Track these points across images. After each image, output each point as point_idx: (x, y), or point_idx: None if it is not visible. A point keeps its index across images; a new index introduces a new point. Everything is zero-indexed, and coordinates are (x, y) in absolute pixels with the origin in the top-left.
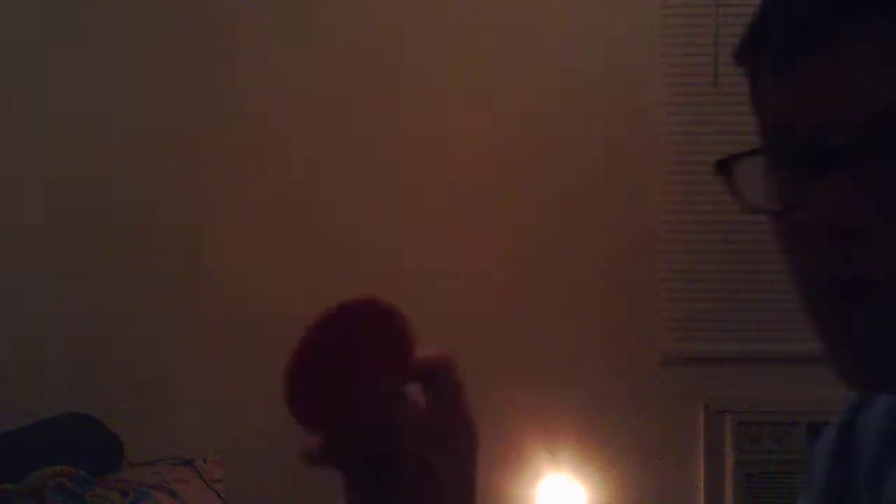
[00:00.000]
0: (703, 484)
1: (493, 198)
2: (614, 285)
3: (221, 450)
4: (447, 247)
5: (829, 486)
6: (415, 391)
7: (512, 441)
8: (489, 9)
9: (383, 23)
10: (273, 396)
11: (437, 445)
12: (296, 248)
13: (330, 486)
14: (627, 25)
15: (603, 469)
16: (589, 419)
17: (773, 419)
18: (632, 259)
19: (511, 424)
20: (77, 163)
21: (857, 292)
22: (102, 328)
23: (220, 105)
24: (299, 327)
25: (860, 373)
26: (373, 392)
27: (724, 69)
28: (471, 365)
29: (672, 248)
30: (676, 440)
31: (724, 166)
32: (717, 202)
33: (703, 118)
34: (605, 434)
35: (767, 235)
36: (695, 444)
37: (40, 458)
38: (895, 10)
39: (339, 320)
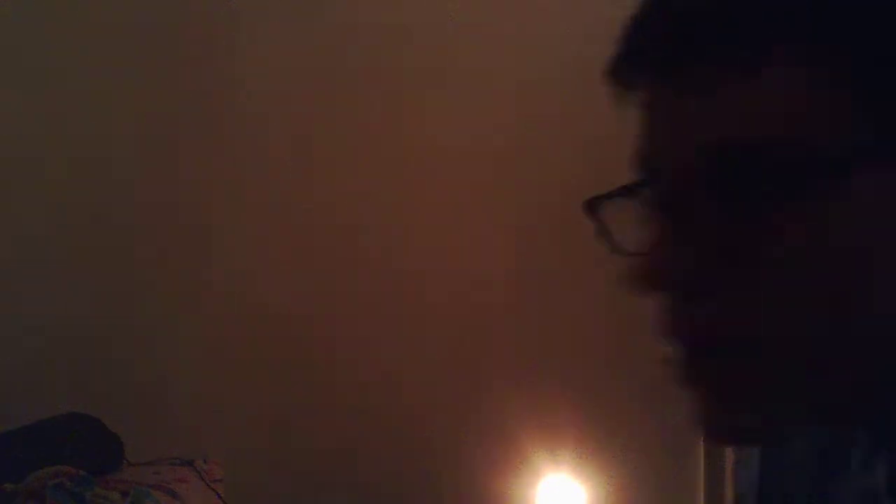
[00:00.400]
0: (703, 484)
1: (493, 198)
2: (614, 286)
3: (221, 450)
4: (447, 247)
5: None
6: None
7: (512, 441)
8: (489, 8)
9: (383, 23)
10: (273, 396)
11: None
12: (296, 248)
13: (330, 486)
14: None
15: (603, 469)
16: (589, 419)
17: None
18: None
19: (511, 424)
20: (77, 163)
21: (699, 350)
22: (102, 328)
23: (220, 105)
24: (299, 327)
25: (719, 431)
26: None
27: None
28: (471, 365)
29: None
30: (676, 440)
31: (592, 207)
32: None
33: None
34: (605, 434)
35: None
36: (695, 445)
37: (40, 458)
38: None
39: None
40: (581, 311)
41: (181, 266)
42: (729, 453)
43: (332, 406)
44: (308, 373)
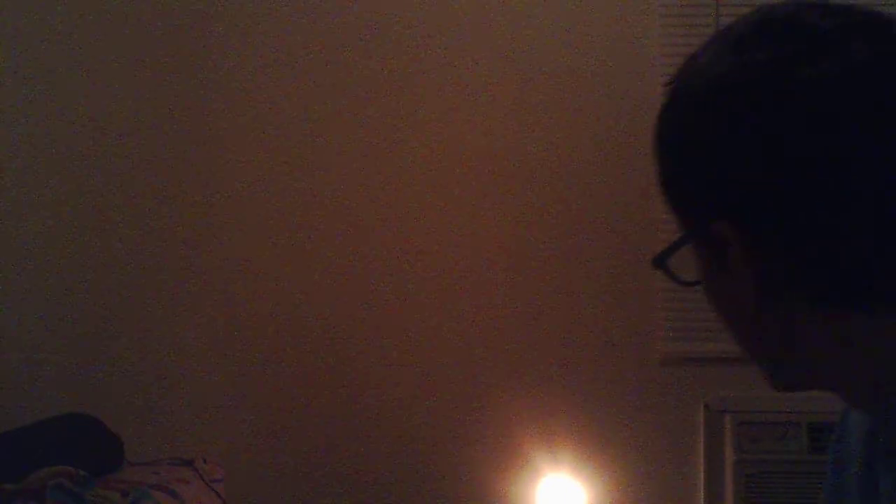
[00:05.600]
0: (703, 484)
1: (493, 199)
2: (614, 285)
3: (221, 450)
4: (447, 247)
5: (831, 491)
6: None
7: (512, 441)
8: (489, 9)
9: (383, 23)
10: (273, 396)
11: None
12: (296, 248)
13: (330, 486)
14: (627, 25)
15: (603, 469)
16: (589, 419)
17: (773, 419)
18: (632, 259)
19: (511, 424)
20: (77, 163)
21: None
22: (102, 328)
23: (220, 105)
24: (299, 327)
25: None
26: None
27: None
28: (471, 365)
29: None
30: (676, 440)
31: (658, 263)
32: None
33: None
34: (605, 434)
35: None
36: (695, 444)
37: (40, 458)
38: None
39: None
40: (581, 311)
41: (181, 266)
42: (729, 453)
43: (331, 406)
44: (308, 373)
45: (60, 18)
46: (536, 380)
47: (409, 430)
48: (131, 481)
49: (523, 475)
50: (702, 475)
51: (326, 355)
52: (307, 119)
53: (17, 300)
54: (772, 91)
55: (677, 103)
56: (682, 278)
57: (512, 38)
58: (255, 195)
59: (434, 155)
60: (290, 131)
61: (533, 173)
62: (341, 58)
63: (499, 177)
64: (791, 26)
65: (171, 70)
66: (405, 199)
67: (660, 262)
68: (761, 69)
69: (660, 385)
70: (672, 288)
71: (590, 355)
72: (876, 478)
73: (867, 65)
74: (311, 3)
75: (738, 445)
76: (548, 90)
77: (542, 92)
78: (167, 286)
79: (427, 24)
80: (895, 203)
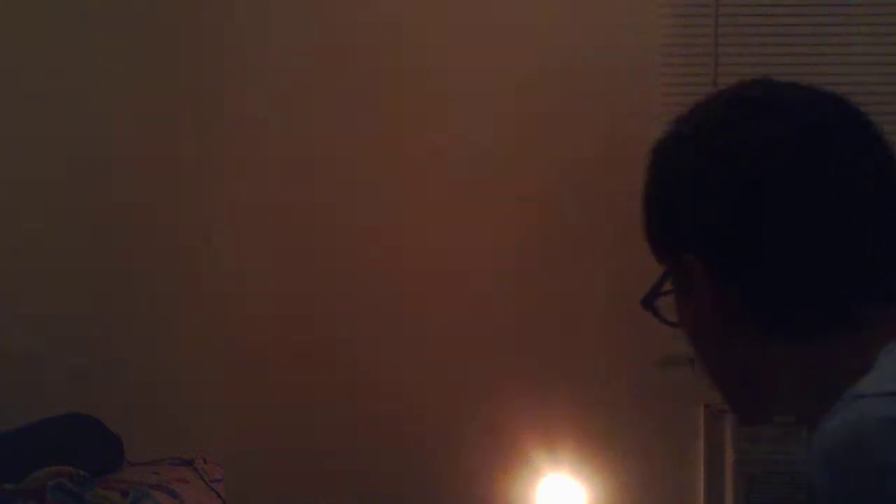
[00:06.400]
0: (703, 484)
1: (493, 199)
2: (614, 285)
3: (221, 450)
4: (447, 247)
5: None
6: None
7: (512, 441)
8: (489, 9)
9: (383, 23)
10: (273, 396)
11: None
12: (296, 248)
13: (330, 486)
14: (627, 25)
15: (603, 469)
16: (589, 419)
17: (773, 419)
18: (631, 259)
19: (511, 424)
20: (77, 163)
21: None
22: (102, 328)
23: (219, 105)
24: (300, 327)
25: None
26: None
27: (723, 69)
28: (471, 365)
29: None
30: (676, 440)
31: (646, 303)
32: None
33: None
34: (605, 434)
35: None
36: (695, 444)
37: (40, 458)
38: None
39: None
40: (581, 312)
41: (181, 266)
42: (729, 453)
43: (331, 406)
44: (308, 373)
45: (60, 18)
46: (536, 380)
47: (409, 429)
48: (131, 481)
49: (523, 475)
50: (702, 475)
51: (326, 355)
52: (307, 118)
53: (17, 300)
54: (729, 145)
55: (658, 157)
56: (667, 318)
57: (512, 38)
58: (255, 195)
59: (433, 155)
60: (290, 131)
61: (533, 173)
62: (341, 58)
63: (498, 177)
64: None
65: (171, 69)
66: (405, 200)
67: (648, 302)
68: (718, 125)
69: (660, 385)
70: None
71: (590, 355)
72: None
73: (811, 127)
74: (311, 2)
75: (738, 445)
76: (548, 90)
77: (542, 92)
78: (167, 286)
79: (427, 24)
80: (825, 247)
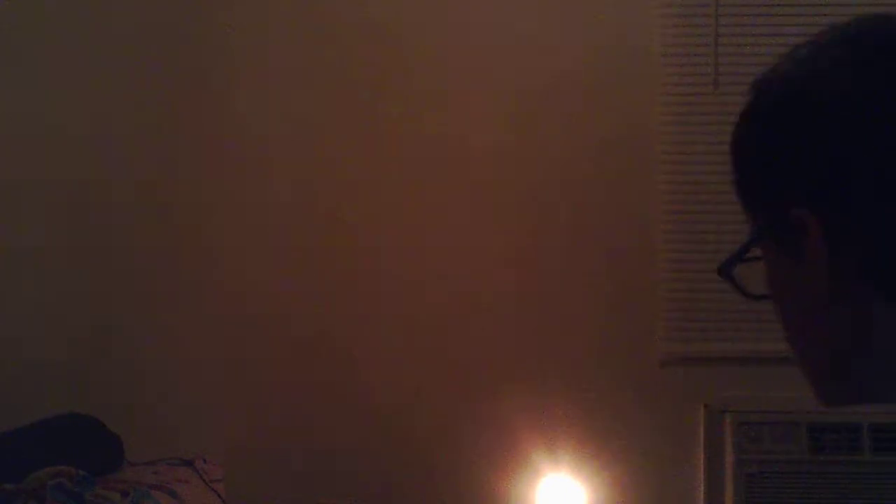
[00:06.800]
0: (703, 484)
1: (493, 200)
2: (614, 286)
3: (221, 450)
4: (447, 248)
5: None
6: None
7: (512, 441)
8: (489, 11)
9: (384, 24)
10: (273, 396)
11: None
12: (296, 248)
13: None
14: (627, 26)
15: (603, 469)
16: (589, 419)
17: (773, 419)
18: (631, 260)
19: (511, 424)
20: (77, 162)
21: None
22: (102, 328)
23: (220, 105)
24: (300, 327)
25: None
26: None
27: (724, 69)
28: (472, 365)
29: (671, 248)
30: (676, 440)
31: (723, 271)
32: (716, 203)
33: (703, 118)
34: (605, 434)
35: None
36: (695, 444)
37: (40, 458)
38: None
39: None
40: (581, 312)
41: (181, 266)
42: (729, 453)
43: (332, 406)
44: (307, 373)
45: (60, 18)
46: (536, 380)
47: (409, 429)
48: (131, 481)
49: (523, 475)
50: (702, 475)
51: (326, 355)
52: (308, 119)
53: (17, 300)
54: (861, 81)
55: (764, 96)
56: (747, 290)
57: (512, 38)
58: (255, 195)
59: (434, 155)
60: (290, 130)
61: (532, 174)
62: (341, 58)
63: (498, 178)
64: (871, 34)
65: (171, 69)
66: (405, 200)
67: (727, 268)
68: (851, 67)
69: (660, 385)
70: (672, 288)
71: (590, 355)
72: None
73: None
74: (311, 2)
75: (738, 445)
76: (547, 91)
77: (542, 92)
78: (167, 286)
79: (427, 25)
80: None
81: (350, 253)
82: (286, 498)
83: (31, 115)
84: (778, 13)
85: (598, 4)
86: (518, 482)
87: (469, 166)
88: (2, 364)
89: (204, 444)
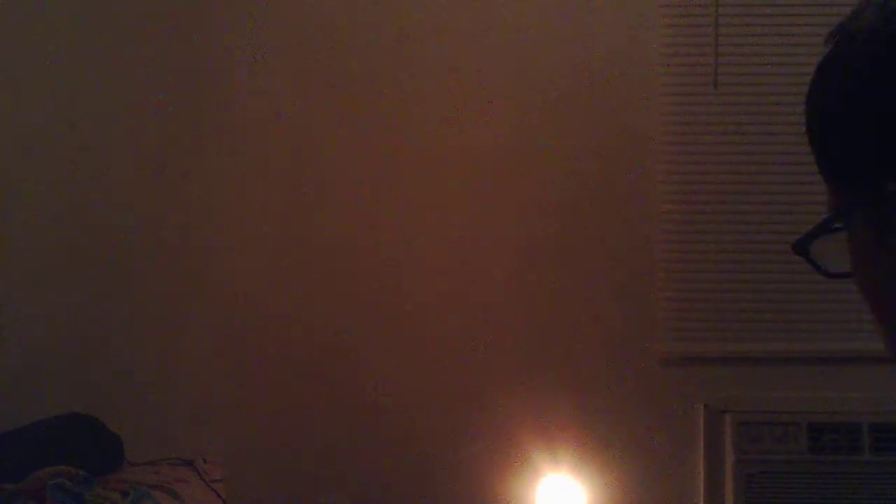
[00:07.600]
0: (703, 484)
1: (494, 201)
2: (614, 287)
3: (221, 450)
4: (448, 248)
5: None
6: None
7: (512, 441)
8: (489, 12)
9: (384, 25)
10: (273, 396)
11: None
12: (295, 249)
13: (330, 486)
14: (627, 26)
15: (603, 469)
16: (589, 419)
17: (773, 419)
18: (631, 260)
19: (511, 424)
20: (77, 164)
21: None
22: (102, 328)
23: (220, 107)
24: (300, 327)
25: None
26: None
27: (723, 69)
28: (472, 366)
29: (671, 248)
30: (676, 440)
31: (799, 247)
32: (716, 203)
33: (703, 118)
34: (605, 434)
35: (766, 236)
36: (695, 444)
37: (40, 458)
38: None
39: None
40: (581, 313)
41: (181, 267)
42: (729, 453)
43: (332, 406)
44: (308, 373)
45: (60, 19)
46: (536, 380)
47: (410, 429)
48: (131, 481)
49: (523, 475)
50: (702, 475)
51: (326, 355)
52: (309, 119)
53: (17, 300)
54: None
55: (856, 48)
56: (825, 268)
57: (512, 38)
58: (255, 195)
59: (435, 155)
60: (291, 130)
61: (533, 174)
62: (343, 58)
63: (499, 178)
64: None
65: (173, 69)
66: (406, 200)
67: (804, 245)
68: None
69: (660, 385)
70: (672, 288)
71: (590, 355)
72: None
73: None
74: (311, 2)
75: (738, 445)
76: (548, 90)
77: (542, 92)
78: (167, 286)
79: (428, 26)
80: None
81: (350, 253)
82: (286, 498)
83: (30, 115)
84: (778, 13)
85: (599, 5)
86: (518, 482)
87: (469, 166)
88: (2, 364)
89: (204, 444)
